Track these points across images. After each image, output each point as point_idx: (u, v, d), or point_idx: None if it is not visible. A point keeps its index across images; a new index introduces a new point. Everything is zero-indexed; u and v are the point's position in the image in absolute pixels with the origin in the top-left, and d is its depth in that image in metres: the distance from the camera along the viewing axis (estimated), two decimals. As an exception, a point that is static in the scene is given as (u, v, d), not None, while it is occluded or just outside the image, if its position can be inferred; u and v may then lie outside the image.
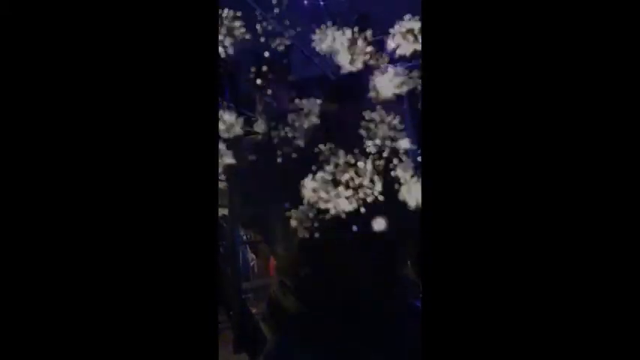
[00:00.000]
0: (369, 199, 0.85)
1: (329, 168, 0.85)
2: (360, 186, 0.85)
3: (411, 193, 0.80)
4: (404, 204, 0.82)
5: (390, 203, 0.88)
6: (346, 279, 0.90)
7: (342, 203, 0.83)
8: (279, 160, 0.88)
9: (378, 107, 0.91)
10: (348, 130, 0.91)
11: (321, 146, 0.86)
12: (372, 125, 0.88)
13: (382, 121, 0.90)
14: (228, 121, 0.82)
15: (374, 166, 0.85)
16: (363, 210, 0.84)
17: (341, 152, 0.86)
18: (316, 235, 0.83)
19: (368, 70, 0.94)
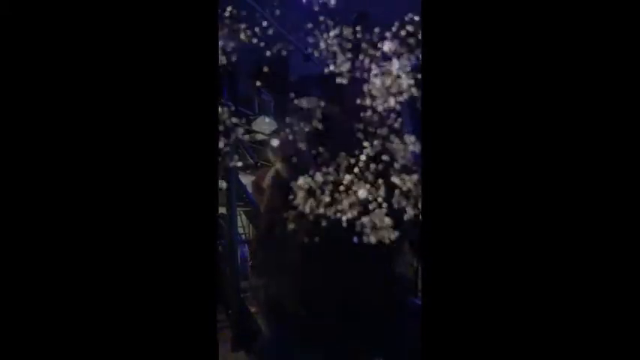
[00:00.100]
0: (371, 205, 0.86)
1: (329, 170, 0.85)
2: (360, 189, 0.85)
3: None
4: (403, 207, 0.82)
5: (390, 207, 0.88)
6: (345, 278, 0.90)
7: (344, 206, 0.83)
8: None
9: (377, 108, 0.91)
10: (346, 132, 0.91)
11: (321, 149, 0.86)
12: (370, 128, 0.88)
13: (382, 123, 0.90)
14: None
15: (375, 170, 0.85)
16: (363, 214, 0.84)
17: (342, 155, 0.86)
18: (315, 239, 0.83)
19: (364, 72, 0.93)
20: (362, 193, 0.86)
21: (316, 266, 0.90)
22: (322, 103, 0.97)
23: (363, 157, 0.87)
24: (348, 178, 0.86)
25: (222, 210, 2.31)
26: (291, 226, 0.91)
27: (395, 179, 0.89)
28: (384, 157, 0.87)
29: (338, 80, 0.94)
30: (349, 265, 0.88)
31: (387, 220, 0.88)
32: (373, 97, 0.92)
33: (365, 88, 0.93)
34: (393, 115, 0.93)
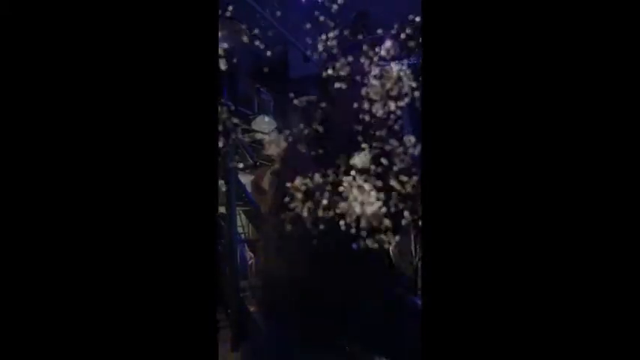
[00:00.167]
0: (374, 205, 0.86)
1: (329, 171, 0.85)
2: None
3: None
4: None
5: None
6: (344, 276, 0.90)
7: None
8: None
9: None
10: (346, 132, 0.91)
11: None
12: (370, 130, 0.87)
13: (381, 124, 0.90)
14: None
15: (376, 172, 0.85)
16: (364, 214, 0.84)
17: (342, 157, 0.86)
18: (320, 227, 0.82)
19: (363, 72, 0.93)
20: (359, 195, 0.86)
21: (315, 267, 0.90)
22: (323, 105, 0.97)
23: (359, 161, 0.87)
24: (346, 179, 0.86)
25: (221, 209, 2.30)
26: (288, 227, 0.91)
27: (393, 182, 0.89)
28: (383, 160, 0.87)
29: (337, 84, 0.94)
30: (348, 266, 0.88)
31: (387, 222, 0.88)
32: (372, 99, 0.91)
33: (364, 89, 0.93)
34: (392, 117, 0.93)
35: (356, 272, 0.89)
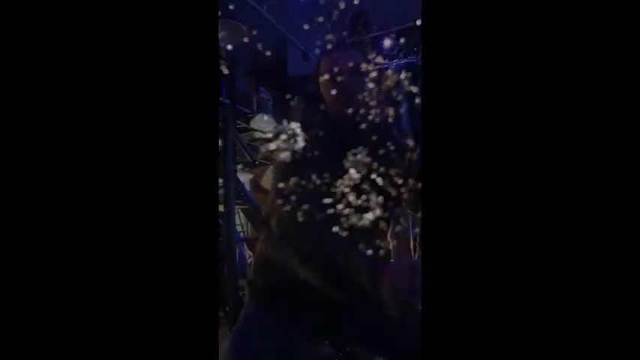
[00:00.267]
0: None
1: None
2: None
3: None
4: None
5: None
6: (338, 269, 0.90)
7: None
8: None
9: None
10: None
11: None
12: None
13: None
14: None
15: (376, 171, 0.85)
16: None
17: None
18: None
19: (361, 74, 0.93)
20: (354, 199, 0.86)
21: (313, 266, 0.91)
22: (322, 107, 0.97)
23: (353, 165, 0.87)
24: (341, 181, 0.86)
25: (220, 208, 2.31)
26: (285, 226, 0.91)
27: (390, 189, 0.90)
28: (377, 166, 0.87)
29: (332, 85, 0.94)
30: (346, 266, 0.89)
31: (382, 224, 0.88)
32: (367, 100, 0.91)
33: (360, 89, 0.93)
34: (389, 119, 0.93)
35: (354, 272, 0.89)
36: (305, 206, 0.86)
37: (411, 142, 0.91)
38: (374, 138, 0.89)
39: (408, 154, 0.91)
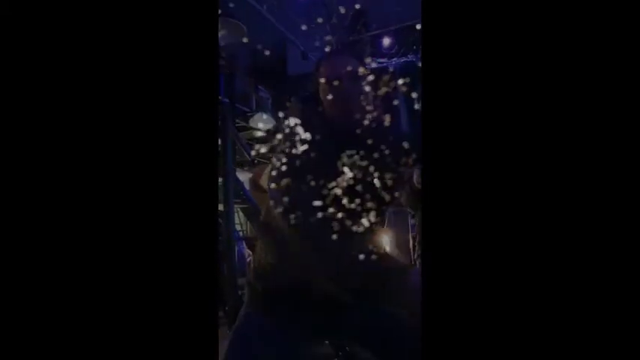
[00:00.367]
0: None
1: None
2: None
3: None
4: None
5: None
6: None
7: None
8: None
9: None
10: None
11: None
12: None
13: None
14: None
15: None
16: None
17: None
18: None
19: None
20: (347, 202, 0.86)
21: (311, 265, 0.91)
22: (320, 109, 0.97)
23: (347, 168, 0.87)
24: (336, 183, 0.86)
25: (219, 207, 2.31)
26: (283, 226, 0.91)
27: (384, 193, 0.90)
28: (373, 169, 0.87)
29: (329, 87, 0.94)
30: (343, 265, 0.89)
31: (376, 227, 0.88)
32: (366, 104, 0.91)
33: (357, 91, 0.93)
34: (386, 124, 0.93)
35: (352, 271, 0.89)
36: (302, 210, 0.86)
37: (407, 145, 0.91)
38: (369, 142, 0.89)
39: (404, 159, 0.91)
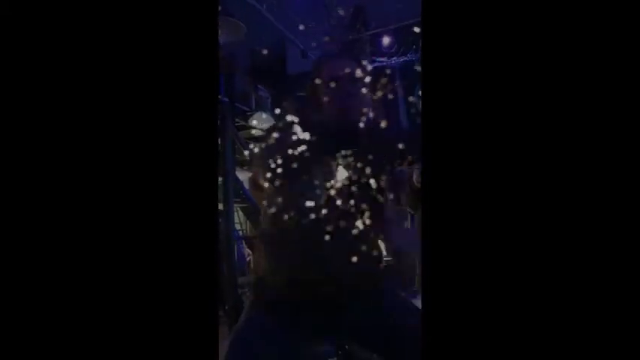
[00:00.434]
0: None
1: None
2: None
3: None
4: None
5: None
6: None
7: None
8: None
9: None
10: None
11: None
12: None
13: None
14: None
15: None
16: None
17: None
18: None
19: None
20: (341, 203, 0.86)
21: (309, 265, 0.91)
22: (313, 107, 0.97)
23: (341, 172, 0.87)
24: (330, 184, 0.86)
25: (219, 206, 2.31)
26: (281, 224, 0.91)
27: (379, 196, 0.90)
28: (370, 171, 0.87)
29: (325, 87, 0.94)
30: (341, 265, 0.89)
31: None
32: (363, 106, 0.91)
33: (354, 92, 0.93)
34: (382, 126, 0.93)
35: (350, 270, 0.89)
36: (295, 210, 0.86)
37: (402, 146, 0.91)
38: (365, 142, 0.89)
39: (398, 162, 0.91)
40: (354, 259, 0.86)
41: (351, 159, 0.88)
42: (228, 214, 2.30)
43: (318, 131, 0.89)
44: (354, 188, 0.87)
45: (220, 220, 2.27)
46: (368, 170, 0.88)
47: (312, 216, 0.85)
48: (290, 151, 0.88)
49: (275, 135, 0.91)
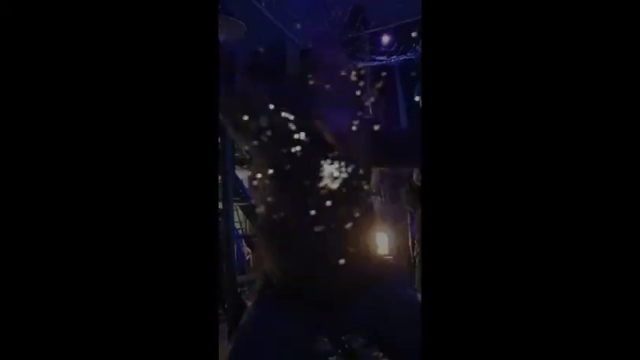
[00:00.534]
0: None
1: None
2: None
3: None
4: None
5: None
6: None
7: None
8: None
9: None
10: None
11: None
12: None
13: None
14: None
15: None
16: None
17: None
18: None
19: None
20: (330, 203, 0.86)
21: (308, 264, 0.91)
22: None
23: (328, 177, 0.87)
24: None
25: (218, 205, 2.31)
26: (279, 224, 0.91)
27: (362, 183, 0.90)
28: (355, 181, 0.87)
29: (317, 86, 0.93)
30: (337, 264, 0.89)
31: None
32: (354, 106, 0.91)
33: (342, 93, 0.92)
34: (376, 128, 0.92)
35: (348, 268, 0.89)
36: (285, 210, 0.86)
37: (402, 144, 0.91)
38: (360, 143, 0.89)
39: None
40: (342, 261, 0.86)
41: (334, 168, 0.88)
42: (228, 212, 2.30)
43: (308, 130, 0.88)
44: (344, 189, 0.87)
45: (220, 218, 2.27)
46: (360, 171, 0.88)
47: (312, 212, 0.85)
48: (284, 150, 0.87)
49: (269, 133, 0.90)
